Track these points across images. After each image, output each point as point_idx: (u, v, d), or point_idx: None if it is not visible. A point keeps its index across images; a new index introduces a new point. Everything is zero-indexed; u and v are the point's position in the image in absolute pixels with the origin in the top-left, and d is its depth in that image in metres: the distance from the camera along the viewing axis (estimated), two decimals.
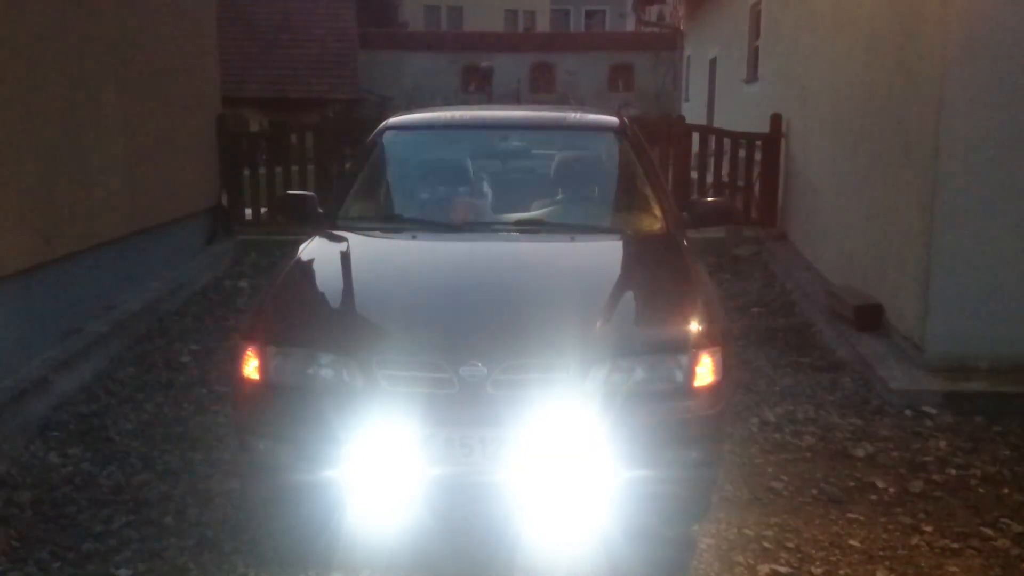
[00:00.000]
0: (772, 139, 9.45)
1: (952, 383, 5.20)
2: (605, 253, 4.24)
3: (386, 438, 3.15)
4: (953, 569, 3.49)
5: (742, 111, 11.90)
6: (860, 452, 4.54)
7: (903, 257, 5.81)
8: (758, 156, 9.61)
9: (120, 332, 6.20)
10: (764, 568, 3.45)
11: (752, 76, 11.73)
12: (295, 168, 9.96)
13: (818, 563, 3.51)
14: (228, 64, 11.09)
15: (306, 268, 4.05)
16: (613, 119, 5.21)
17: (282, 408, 3.32)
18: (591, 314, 3.43)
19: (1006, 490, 4.18)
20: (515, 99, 24.90)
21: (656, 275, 3.96)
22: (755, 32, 11.61)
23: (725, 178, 9.85)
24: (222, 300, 7.61)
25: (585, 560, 3.39)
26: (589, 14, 38.62)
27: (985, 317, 5.29)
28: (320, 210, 4.63)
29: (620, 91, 25.93)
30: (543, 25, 36.26)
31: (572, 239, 4.23)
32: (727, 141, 9.86)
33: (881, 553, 3.60)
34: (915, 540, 3.70)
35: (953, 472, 4.36)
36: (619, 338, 3.34)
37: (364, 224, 4.53)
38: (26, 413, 4.82)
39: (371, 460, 3.16)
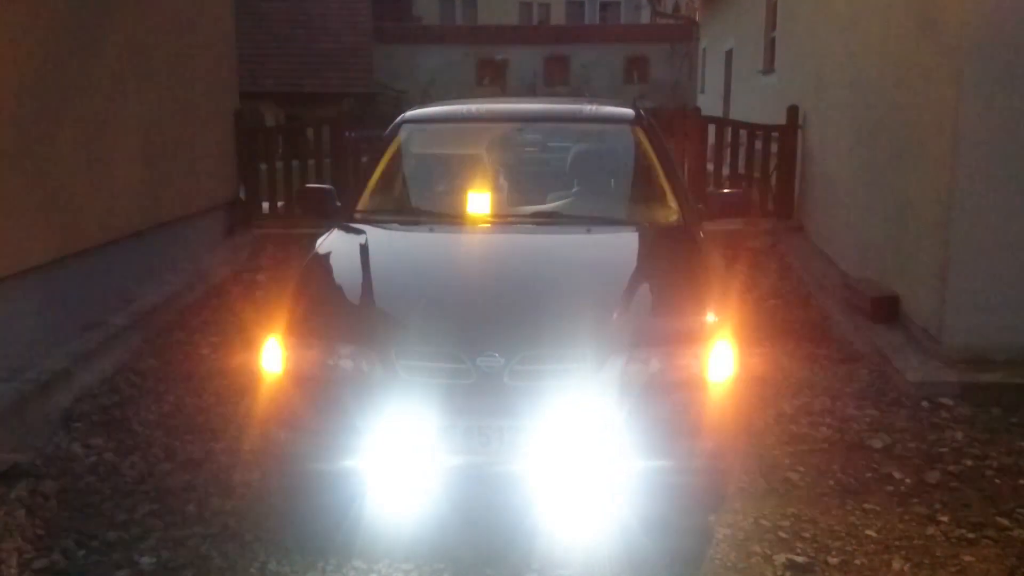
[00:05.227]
0: (788, 131, 9.43)
1: (969, 374, 5.19)
2: (621, 245, 4.26)
3: (405, 428, 3.18)
4: (969, 559, 3.50)
5: (758, 102, 11.86)
6: (877, 443, 4.55)
7: (920, 249, 5.80)
8: (774, 148, 9.59)
9: (141, 325, 6.26)
10: (780, 558, 3.47)
11: (768, 67, 11.68)
12: (311, 162, 10.01)
13: (834, 553, 3.52)
14: (243, 58, 11.12)
15: (325, 261, 4.10)
16: (629, 111, 5.22)
17: (303, 399, 3.36)
18: (607, 305, 3.45)
19: (1022, 481, 4.18)
20: (530, 92, 24.88)
21: (672, 267, 3.97)
22: (771, 23, 11.57)
23: (741, 170, 9.83)
24: (241, 293, 7.65)
25: (602, 550, 3.41)
26: (604, 6, 38.45)
27: (1002, 309, 5.27)
28: (338, 203, 4.66)
29: (635, 83, 25.85)
30: (558, 17, 36.14)
31: (588, 231, 4.24)
32: (743, 133, 9.83)
33: (897, 543, 3.61)
34: (931, 530, 3.71)
35: (969, 463, 4.36)
36: (635, 329, 3.36)
37: (382, 217, 4.57)
38: (50, 404, 4.88)
39: (390, 450, 3.20)
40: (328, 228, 4.40)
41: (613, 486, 3.24)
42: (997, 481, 4.18)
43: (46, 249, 5.48)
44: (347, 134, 10.01)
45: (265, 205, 9.91)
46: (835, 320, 6.69)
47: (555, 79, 26.56)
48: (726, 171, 10.00)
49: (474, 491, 3.35)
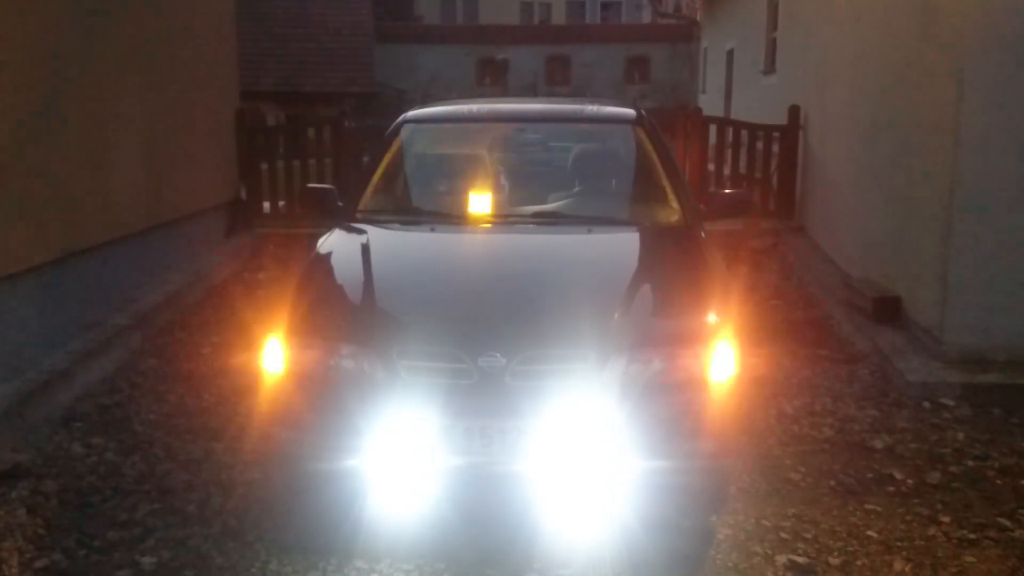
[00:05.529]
0: (790, 131, 9.42)
1: (970, 375, 5.19)
2: (623, 245, 4.26)
3: (406, 428, 3.18)
4: (970, 560, 3.50)
5: (759, 103, 11.87)
6: (878, 444, 4.55)
7: (921, 249, 5.80)
8: (776, 148, 9.59)
9: (142, 325, 6.26)
10: (782, 558, 3.47)
11: (770, 67, 11.68)
12: (312, 161, 10.02)
13: (836, 553, 3.52)
14: (244, 58, 11.11)
15: (326, 261, 4.10)
16: (630, 111, 5.22)
17: (304, 398, 3.36)
18: (609, 306, 3.45)
19: (1023, 481, 4.18)
20: (531, 92, 24.88)
21: (674, 267, 3.98)
22: (772, 23, 11.57)
23: (742, 170, 9.83)
24: (242, 293, 7.66)
25: (603, 550, 3.42)
26: (605, 6, 38.50)
27: (1003, 309, 5.27)
28: (340, 203, 4.67)
29: (636, 83, 25.85)
30: (559, 17, 36.18)
31: (590, 231, 4.25)
32: (744, 133, 9.83)
33: (899, 543, 3.61)
34: (932, 531, 3.71)
35: (971, 463, 4.36)
36: (637, 329, 3.36)
37: (383, 217, 4.57)
38: (50, 404, 4.88)
39: (391, 450, 3.20)
40: (329, 228, 4.41)
41: (614, 486, 3.24)
42: (998, 482, 4.18)
43: (47, 249, 5.48)
44: (346, 123, 10.03)
45: (266, 205, 9.91)
46: (836, 320, 6.69)
47: (556, 79, 26.56)
48: (727, 171, 9.99)
49: (475, 491, 3.35)
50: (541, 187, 4.83)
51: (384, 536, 3.46)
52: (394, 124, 5.10)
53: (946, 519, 3.80)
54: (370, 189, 4.74)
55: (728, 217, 4.78)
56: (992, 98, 5.14)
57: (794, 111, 9.38)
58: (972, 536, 3.67)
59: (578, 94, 23.41)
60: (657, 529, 3.47)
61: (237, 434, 4.62)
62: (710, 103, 16.50)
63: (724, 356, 3.34)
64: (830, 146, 8.47)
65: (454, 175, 4.98)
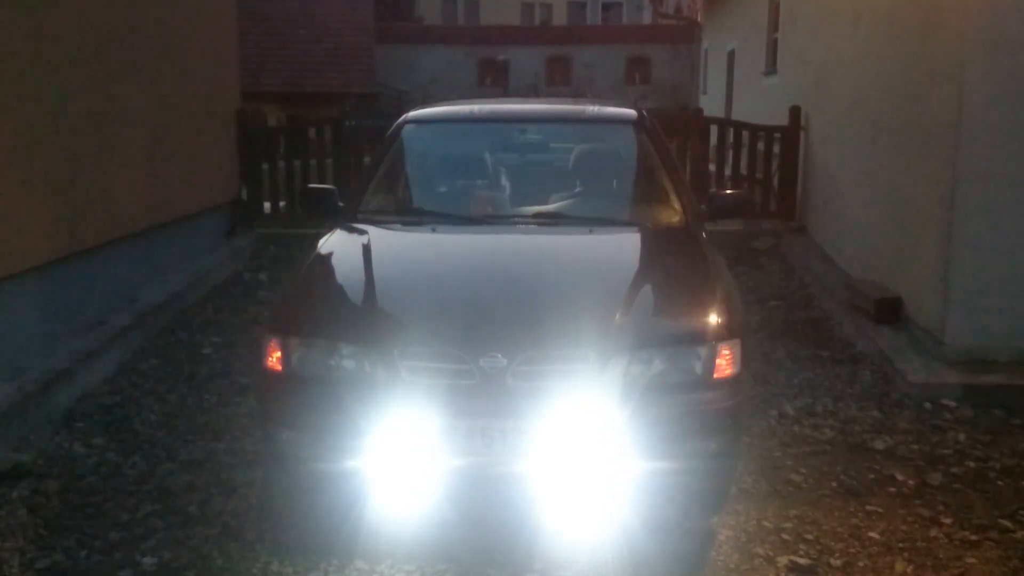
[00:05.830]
0: (791, 131, 9.42)
1: (971, 376, 5.19)
2: (624, 245, 4.26)
3: (407, 429, 3.18)
4: (972, 561, 3.49)
5: (761, 103, 11.86)
6: (879, 445, 4.54)
7: (922, 250, 5.80)
8: (777, 148, 9.58)
9: (143, 324, 6.26)
10: (783, 560, 3.47)
11: (771, 68, 11.68)
12: (313, 162, 10.03)
13: (837, 555, 3.52)
14: (245, 58, 11.15)
15: (327, 261, 4.10)
16: (631, 112, 5.22)
17: (305, 399, 3.36)
18: (610, 306, 3.45)
19: None
20: (532, 92, 24.90)
21: (675, 267, 3.98)
22: (774, 24, 11.57)
23: (743, 171, 9.83)
24: (242, 293, 7.67)
25: (604, 551, 3.41)
26: (606, 7, 38.54)
27: (1004, 310, 5.27)
28: (341, 203, 4.67)
29: (637, 84, 25.90)
30: (560, 18, 36.23)
31: (591, 231, 4.24)
32: (745, 134, 9.83)
33: (900, 545, 3.60)
34: (934, 532, 3.71)
35: (972, 465, 4.36)
36: (638, 330, 3.36)
37: (384, 217, 4.57)
38: (51, 404, 4.88)
39: (392, 450, 3.20)
40: (330, 228, 4.40)
41: (615, 487, 3.24)
42: (1000, 483, 4.18)
43: (48, 249, 5.48)
44: (346, 123, 10.05)
45: (267, 205, 9.92)
46: (837, 321, 6.69)
47: (557, 79, 26.60)
48: (728, 172, 9.99)
49: (476, 492, 3.36)
50: (542, 188, 4.83)
51: (385, 537, 3.45)
52: (395, 124, 5.10)
53: (947, 520, 3.80)
54: (371, 189, 4.74)
55: (729, 217, 4.78)
56: (994, 97, 5.13)
57: (795, 112, 9.38)
58: (974, 537, 3.67)
59: (579, 95, 23.44)
60: (658, 530, 3.48)
61: (238, 434, 4.62)
62: (711, 104, 16.50)
63: (725, 356, 3.34)
64: (831, 146, 8.47)
65: (455, 175, 4.99)
